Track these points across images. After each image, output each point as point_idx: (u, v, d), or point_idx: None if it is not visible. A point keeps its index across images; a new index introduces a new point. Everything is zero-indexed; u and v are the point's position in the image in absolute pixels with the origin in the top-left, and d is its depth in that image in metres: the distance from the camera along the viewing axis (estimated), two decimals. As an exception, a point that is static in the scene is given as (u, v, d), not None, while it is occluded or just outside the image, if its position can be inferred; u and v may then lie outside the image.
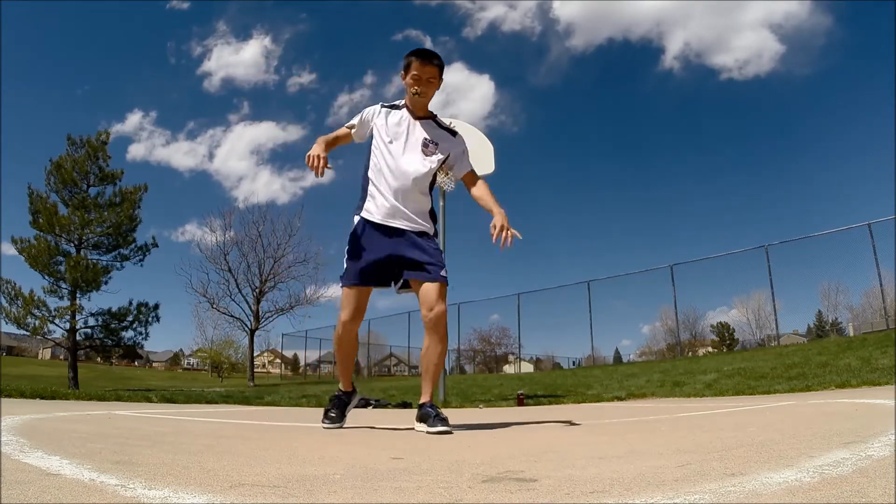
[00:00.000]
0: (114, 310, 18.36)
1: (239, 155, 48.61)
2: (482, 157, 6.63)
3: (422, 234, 2.63)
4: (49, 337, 18.41)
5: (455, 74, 43.19)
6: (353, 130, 2.73)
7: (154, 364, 56.54)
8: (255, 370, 27.63)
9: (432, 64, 2.59)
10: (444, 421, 2.47)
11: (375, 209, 2.62)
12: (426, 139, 2.64)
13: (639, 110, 45.04)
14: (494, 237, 2.52)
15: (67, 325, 17.68)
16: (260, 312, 25.21)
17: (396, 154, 2.62)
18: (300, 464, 1.45)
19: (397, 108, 2.70)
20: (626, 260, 60.44)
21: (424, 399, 2.59)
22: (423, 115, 2.70)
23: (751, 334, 20.35)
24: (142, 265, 19.36)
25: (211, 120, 53.63)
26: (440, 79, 2.65)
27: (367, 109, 2.74)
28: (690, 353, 18.32)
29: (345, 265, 2.67)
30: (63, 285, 17.58)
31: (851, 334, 14.65)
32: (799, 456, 1.23)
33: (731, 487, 0.95)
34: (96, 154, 18.66)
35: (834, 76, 39.41)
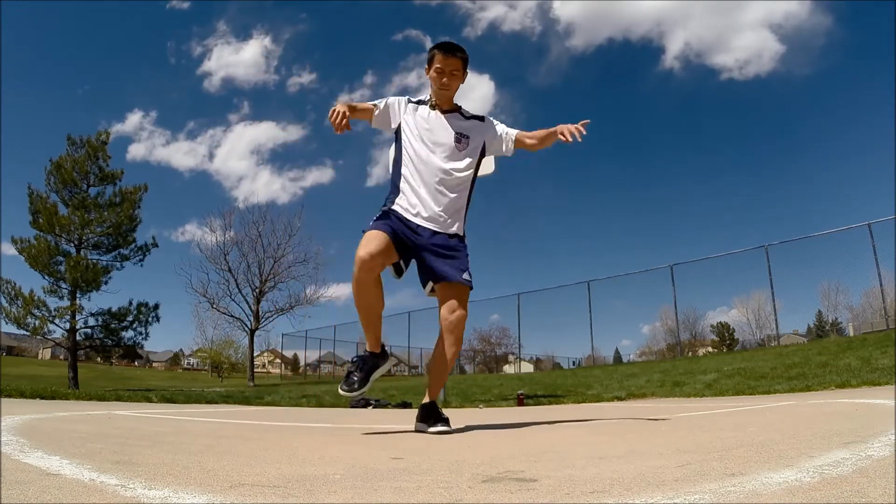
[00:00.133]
0: (114, 310, 18.37)
1: (239, 155, 48.71)
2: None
3: (452, 235, 2.56)
4: (49, 337, 18.41)
5: (455, 74, 43.14)
6: (375, 112, 2.62)
7: (154, 364, 56.55)
8: (255, 370, 27.62)
9: (455, 56, 2.55)
10: (445, 421, 2.46)
11: (407, 205, 2.55)
12: (458, 134, 2.59)
13: (639, 110, 45.11)
14: (569, 140, 2.53)
15: (67, 325, 17.68)
16: (260, 312, 25.20)
17: (428, 151, 2.55)
18: (300, 464, 1.45)
19: (423, 103, 2.65)
20: (626, 260, 60.53)
21: (428, 399, 2.57)
22: (450, 109, 2.65)
23: (751, 334, 20.38)
24: (142, 265, 19.38)
25: (211, 120, 53.78)
26: (465, 71, 2.61)
27: (393, 100, 2.66)
28: (690, 353, 18.32)
29: (370, 223, 2.52)
30: (63, 285, 17.59)
31: (851, 334, 14.66)
32: (799, 456, 1.23)
33: (731, 487, 0.95)
34: (96, 154, 18.66)
35: (834, 76, 39.48)
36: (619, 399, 6.65)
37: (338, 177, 44.31)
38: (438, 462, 1.47)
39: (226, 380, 34.40)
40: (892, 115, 31.38)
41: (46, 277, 17.46)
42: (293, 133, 46.58)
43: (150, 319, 18.87)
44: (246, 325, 25.44)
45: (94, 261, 18.09)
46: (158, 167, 41.24)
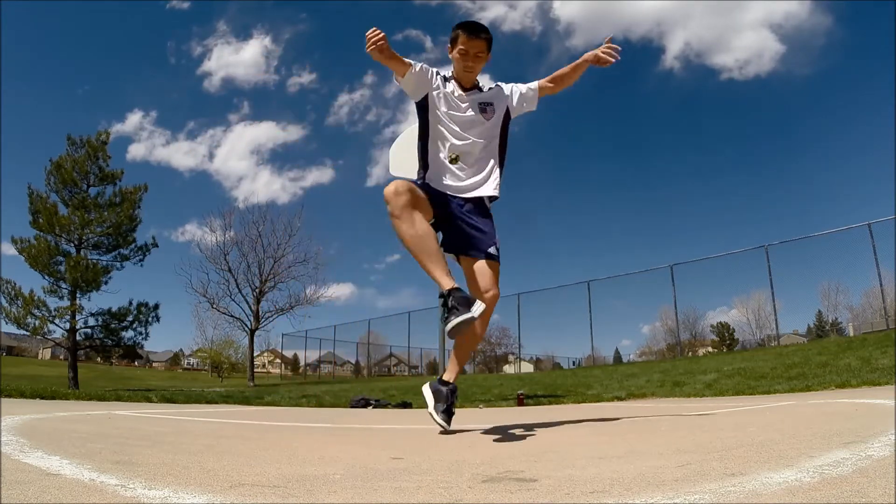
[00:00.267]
0: (114, 310, 18.34)
1: (239, 155, 48.63)
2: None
3: (480, 203, 2.54)
4: (49, 337, 18.39)
5: (455, 74, 43.16)
6: (412, 69, 2.50)
7: (154, 364, 56.54)
8: (255, 370, 27.60)
9: (480, 38, 2.50)
10: (448, 416, 2.43)
11: (437, 178, 2.53)
12: (482, 104, 2.58)
13: (639, 110, 45.05)
14: (611, 62, 2.58)
15: (67, 325, 17.67)
16: (260, 312, 25.19)
17: (457, 124, 2.53)
18: (300, 464, 1.45)
19: (447, 79, 2.61)
20: (626, 260, 60.42)
21: (448, 377, 2.53)
22: (471, 87, 2.63)
23: (751, 334, 20.36)
24: (142, 265, 19.35)
25: (211, 120, 53.56)
26: (488, 52, 2.56)
27: (428, 69, 2.57)
28: (690, 353, 18.32)
29: None
30: (63, 285, 17.57)
31: (851, 334, 14.65)
32: (799, 456, 1.23)
33: (731, 487, 0.95)
34: (96, 154, 18.65)
35: (834, 76, 39.40)
36: (619, 399, 6.65)
37: (338, 177, 44.26)
38: (438, 462, 1.47)
39: (226, 380, 34.40)
40: (892, 115, 31.37)
41: (46, 277, 17.46)
42: (293, 133, 46.52)
43: (150, 319, 18.87)
44: (246, 325, 25.44)
45: (94, 261, 18.08)
46: (158, 167, 41.18)
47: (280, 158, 51.49)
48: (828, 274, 16.35)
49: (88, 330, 18.39)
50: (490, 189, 2.56)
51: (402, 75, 2.50)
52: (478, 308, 1.99)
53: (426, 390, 2.55)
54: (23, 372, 21.77)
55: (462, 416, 4.27)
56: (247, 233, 25.15)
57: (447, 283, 2.14)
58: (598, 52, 2.62)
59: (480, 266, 2.45)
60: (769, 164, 41.39)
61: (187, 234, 39.38)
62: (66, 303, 17.59)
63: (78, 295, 17.70)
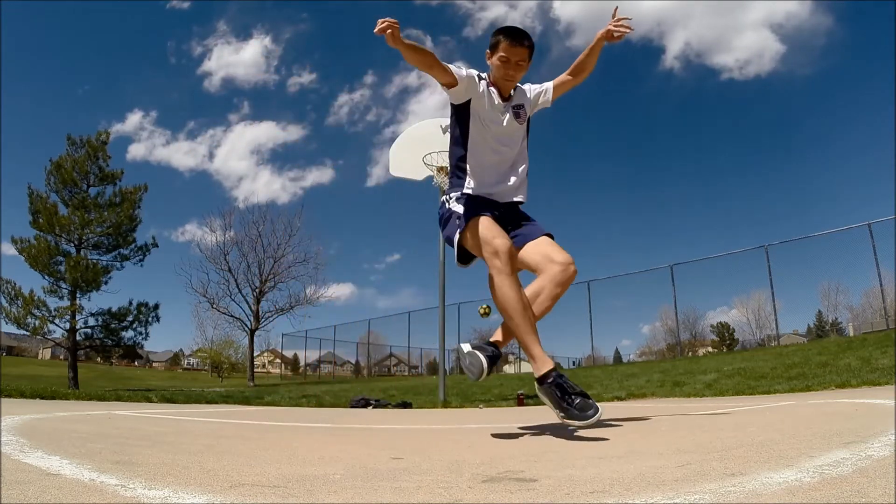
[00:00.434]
0: (114, 310, 18.36)
1: (239, 155, 48.67)
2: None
3: (520, 203, 2.56)
4: (49, 337, 18.40)
5: (455, 74, 43.13)
6: (458, 75, 2.40)
7: (154, 364, 56.51)
8: (255, 370, 27.61)
9: (523, 45, 2.41)
10: (488, 358, 2.18)
11: (481, 185, 2.47)
12: (515, 106, 2.55)
13: (639, 110, 45.08)
14: (624, 34, 2.51)
15: (67, 325, 17.68)
16: (260, 312, 25.20)
17: (497, 130, 2.49)
18: (300, 464, 1.45)
19: (488, 84, 2.53)
20: (626, 260, 60.48)
21: (548, 367, 2.06)
22: (509, 94, 2.57)
23: (751, 334, 20.35)
24: (142, 265, 19.38)
25: (211, 120, 53.68)
26: (530, 61, 2.47)
27: (473, 75, 2.46)
28: (690, 353, 18.32)
29: (459, 209, 2.36)
30: (63, 285, 17.59)
31: (851, 334, 14.65)
32: (799, 456, 1.23)
33: (731, 487, 0.95)
34: (96, 154, 18.66)
35: (834, 76, 39.46)
36: (619, 399, 6.65)
37: (338, 177, 44.32)
38: (438, 462, 1.47)
39: (226, 380, 34.38)
40: (892, 115, 31.41)
41: (46, 277, 17.47)
42: (293, 133, 46.57)
43: (150, 319, 18.89)
44: (246, 325, 25.45)
45: (94, 261, 18.10)
46: (158, 167, 41.24)
47: (280, 158, 51.62)
48: (828, 274, 16.38)
49: (88, 330, 18.40)
50: (521, 195, 2.56)
51: (447, 85, 2.42)
52: (596, 416, 1.91)
53: (543, 398, 2.11)
54: (23, 372, 21.77)
55: (462, 416, 4.27)
56: (247, 233, 25.19)
57: (548, 364, 2.05)
58: (609, 27, 2.54)
59: (546, 243, 2.40)
60: (769, 164, 41.43)
61: (187, 234, 39.53)
62: (66, 303, 17.62)
63: (78, 295, 17.71)
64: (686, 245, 52.24)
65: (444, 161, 7.55)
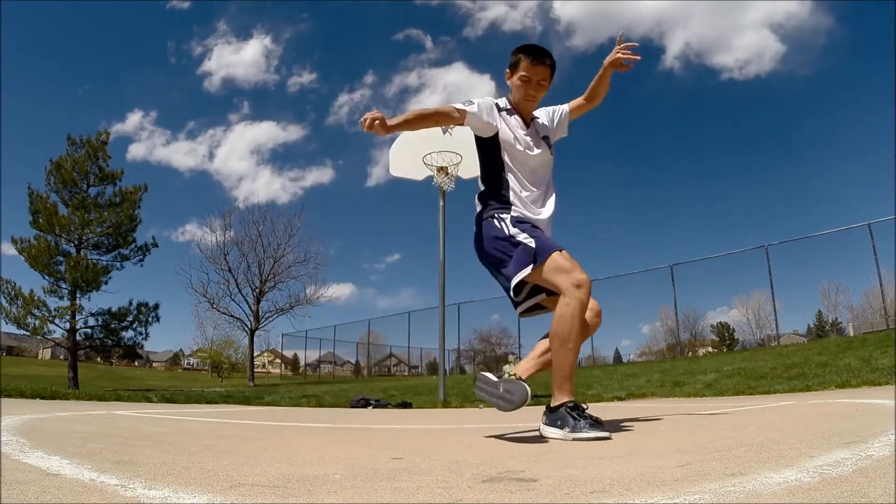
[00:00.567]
0: (114, 310, 18.36)
1: (239, 155, 48.66)
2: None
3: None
4: (49, 337, 18.40)
5: (456, 74, 43.24)
6: (469, 114, 2.36)
7: (154, 364, 56.52)
8: (255, 370, 27.61)
9: (545, 64, 2.37)
10: (591, 423, 2.02)
11: (527, 212, 2.39)
12: (544, 137, 2.51)
13: (639, 110, 45.04)
14: (632, 61, 2.48)
15: (67, 325, 17.68)
16: (260, 312, 25.19)
17: (530, 157, 2.42)
18: (300, 464, 1.45)
19: (510, 112, 2.47)
20: (626, 260, 60.44)
21: (571, 397, 2.11)
22: (531, 115, 2.54)
23: (751, 334, 20.35)
24: (142, 265, 19.37)
25: (211, 120, 53.67)
26: (551, 80, 2.42)
27: (486, 106, 2.41)
28: (690, 353, 18.32)
29: (530, 241, 2.23)
30: (63, 285, 17.58)
31: (851, 334, 14.65)
32: (799, 456, 1.23)
33: (731, 487, 0.95)
34: (96, 154, 18.66)
35: (834, 76, 39.42)
36: (619, 399, 6.65)
37: (338, 177, 44.29)
38: (438, 462, 1.47)
39: (226, 380, 34.38)
40: (892, 115, 31.41)
41: (46, 277, 17.47)
42: (293, 133, 46.56)
43: (150, 319, 18.89)
44: (246, 325, 25.45)
45: (94, 261, 18.10)
46: (158, 167, 41.18)
47: (280, 158, 51.60)
48: (828, 274, 16.39)
49: (88, 330, 18.41)
50: (551, 212, 2.49)
51: (459, 124, 2.39)
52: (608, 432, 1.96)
53: (549, 431, 2.13)
54: (23, 372, 21.77)
55: (462, 416, 4.27)
56: (247, 233, 25.18)
57: (571, 395, 2.13)
58: (616, 55, 2.49)
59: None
60: (769, 164, 41.40)
61: (187, 234, 39.44)
62: (66, 303, 17.62)
63: (78, 295, 17.71)
64: (686, 245, 52.28)
65: (444, 161, 7.56)
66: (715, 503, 0.86)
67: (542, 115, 2.60)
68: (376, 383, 16.22)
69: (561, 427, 2.03)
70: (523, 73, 2.36)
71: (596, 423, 1.98)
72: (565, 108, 2.65)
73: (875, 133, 37.01)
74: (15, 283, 17.26)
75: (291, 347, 32.08)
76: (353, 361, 31.26)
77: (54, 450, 1.59)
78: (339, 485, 1.12)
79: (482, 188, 2.49)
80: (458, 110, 2.34)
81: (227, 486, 1.09)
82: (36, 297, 17.12)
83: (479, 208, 2.48)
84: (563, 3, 44.73)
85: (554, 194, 2.52)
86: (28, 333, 18.19)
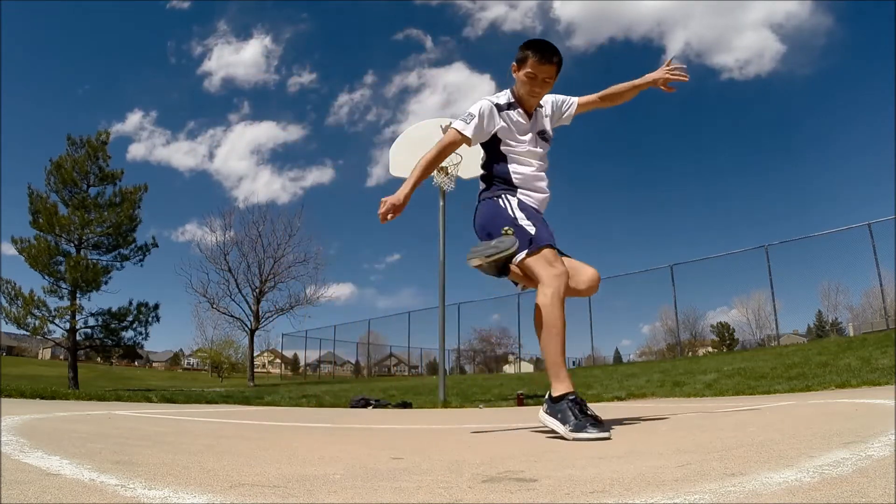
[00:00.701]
0: (114, 310, 18.36)
1: (239, 155, 48.60)
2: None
3: None
4: (49, 337, 18.40)
5: (456, 74, 43.26)
6: (470, 139, 2.45)
7: (154, 364, 56.52)
8: (255, 370, 27.61)
9: (551, 63, 2.39)
10: (592, 422, 1.99)
11: (529, 198, 2.48)
12: (541, 131, 2.56)
13: (639, 110, 44.98)
14: (673, 81, 2.58)
15: (67, 325, 17.68)
16: (260, 312, 25.19)
17: (528, 146, 2.50)
18: (300, 464, 1.45)
19: (512, 106, 2.50)
20: (626, 260, 60.45)
21: (570, 389, 2.09)
22: (532, 113, 2.57)
23: (751, 334, 20.36)
24: (142, 265, 19.37)
25: (211, 120, 53.53)
26: (556, 76, 2.46)
27: (486, 115, 2.45)
28: (690, 353, 18.33)
29: (530, 228, 2.32)
30: (63, 285, 17.58)
31: (851, 334, 14.66)
32: (799, 456, 1.23)
33: (731, 487, 0.95)
34: (96, 154, 18.66)
35: (834, 76, 39.40)
36: (619, 399, 6.65)
37: (338, 177, 44.26)
38: (438, 462, 1.47)
39: (226, 380, 34.38)
40: (892, 115, 31.37)
41: (46, 277, 17.47)
42: (293, 133, 46.51)
43: (150, 319, 18.88)
44: (246, 325, 25.45)
45: (94, 261, 18.09)
46: (158, 167, 41.14)
47: (280, 158, 51.52)
48: (828, 274, 16.42)
49: (88, 330, 18.41)
50: (545, 196, 2.58)
51: (468, 145, 2.50)
52: (607, 433, 1.95)
53: (549, 420, 2.12)
54: (23, 372, 21.77)
55: (462, 416, 4.27)
56: (247, 233, 25.19)
57: (570, 386, 2.11)
58: (666, 73, 2.57)
59: (572, 260, 2.50)
60: (769, 164, 41.38)
61: (187, 234, 39.33)
62: (66, 303, 17.62)
63: (78, 295, 17.71)
64: (686, 245, 52.30)
65: (444, 161, 7.56)
66: (715, 503, 0.86)
67: (549, 102, 2.64)
68: (376, 383, 16.23)
69: (563, 422, 2.03)
70: (530, 70, 2.39)
71: (597, 423, 1.98)
72: (575, 101, 2.69)
73: (875, 133, 37.01)
74: (15, 283, 17.27)
75: (291, 347, 32.12)
76: (353, 361, 31.28)
77: (54, 450, 1.60)
78: (339, 485, 1.12)
79: (484, 172, 2.59)
80: (461, 135, 2.43)
81: (227, 486, 1.09)
82: (36, 297, 17.13)
83: (483, 186, 2.58)
84: (563, 3, 44.74)
85: (547, 180, 2.59)
86: (28, 333, 18.20)
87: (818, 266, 15.11)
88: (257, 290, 25.11)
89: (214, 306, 25.35)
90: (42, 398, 6.01)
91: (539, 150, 2.53)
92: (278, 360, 41.76)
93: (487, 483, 1.11)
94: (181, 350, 55.91)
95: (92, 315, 18.22)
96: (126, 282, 30.16)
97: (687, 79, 2.59)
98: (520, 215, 2.38)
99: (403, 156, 7.59)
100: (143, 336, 19.00)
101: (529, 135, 2.51)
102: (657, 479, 1.07)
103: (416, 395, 8.25)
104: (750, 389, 6.02)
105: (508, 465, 1.34)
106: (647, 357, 21.09)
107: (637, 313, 27.62)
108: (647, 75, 2.65)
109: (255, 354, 27.40)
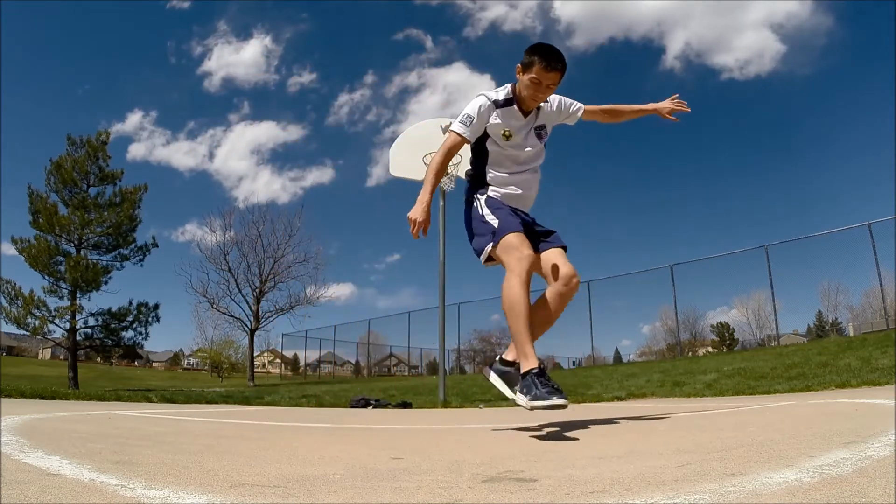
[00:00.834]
0: (114, 310, 18.38)
1: (239, 155, 48.62)
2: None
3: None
4: (49, 337, 18.41)
5: (456, 74, 43.23)
6: (469, 139, 2.54)
7: (154, 364, 56.51)
8: (255, 370, 27.62)
9: (556, 70, 2.42)
10: (559, 392, 2.04)
11: (501, 188, 2.57)
12: (538, 128, 2.60)
13: (639, 110, 44.93)
14: (674, 113, 2.82)
15: (67, 325, 17.69)
16: (260, 312, 25.20)
17: (517, 148, 2.55)
18: (300, 464, 1.45)
19: (510, 102, 2.55)
20: (626, 260, 60.51)
21: (536, 364, 2.16)
22: (533, 107, 2.60)
23: (751, 334, 20.35)
24: (142, 265, 19.39)
25: (211, 120, 53.57)
26: (560, 82, 2.50)
27: (483, 113, 2.51)
28: (690, 353, 18.32)
29: (494, 221, 2.43)
30: (63, 285, 17.60)
31: (851, 334, 14.65)
32: (799, 456, 1.23)
33: (731, 487, 0.95)
34: (96, 154, 18.67)
35: (834, 76, 39.45)
36: (619, 399, 6.65)
37: (338, 177, 44.27)
38: (438, 462, 1.47)
39: (226, 380, 34.38)
40: (892, 115, 31.41)
41: (46, 277, 17.48)
42: (293, 133, 46.52)
43: (150, 319, 18.90)
44: (246, 325, 25.46)
45: (94, 261, 18.11)
46: (158, 167, 41.16)
47: (280, 158, 51.55)
48: (828, 274, 16.43)
49: (88, 330, 18.42)
50: (531, 191, 2.67)
51: (468, 146, 2.59)
52: (566, 400, 2.03)
53: (519, 398, 2.20)
54: (23, 372, 21.77)
55: (462, 416, 4.27)
56: (247, 233, 25.20)
57: (535, 361, 2.17)
58: (670, 106, 2.82)
59: (559, 253, 2.53)
60: (769, 164, 41.41)
61: (187, 234, 39.40)
62: (66, 303, 17.63)
63: (78, 295, 17.72)
64: (686, 245, 52.31)
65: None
66: (715, 503, 0.86)
67: (556, 100, 2.68)
68: (376, 383, 16.22)
69: (526, 394, 2.10)
70: (534, 76, 2.42)
71: (554, 390, 2.02)
72: (581, 109, 2.75)
73: (875, 133, 37.05)
74: (15, 283, 17.29)
75: (291, 347, 32.11)
76: (353, 361, 31.27)
77: (54, 450, 1.59)
78: (339, 485, 1.12)
79: (468, 168, 2.68)
80: (461, 137, 2.51)
81: (227, 486, 1.09)
82: (36, 297, 17.14)
83: (466, 186, 2.70)
84: (563, 3, 44.77)
85: (538, 173, 2.68)
86: (28, 333, 18.21)
87: (818, 266, 15.12)
88: (257, 290, 25.12)
89: (214, 306, 25.38)
90: (42, 398, 6.01)
91: (529, 146, 2.58)
92: (278, 360, 41.75)
93: (487, 483, 1.11)
94: (181, 350, 55.92)
95: (92, 315, 18.26)
96: (126, 282, 30.26)
97: (689, 110, 2.82)
98: (486, 212, 2.50)
99: (403, 156, 7.58)
100: (143, 336, 19.03)
101: (523, 131, 2.56)
102: (657, 479, 1.07)
103: (416, 395, 8.25)
104: (750, 389, 6.02)
105: (508, 465, 1.34)
106: (647, 357, 21.09)
107: (637, 313, 27.67)
108: (652, 103, 2.83)
109: (255, 354, 27.42)
